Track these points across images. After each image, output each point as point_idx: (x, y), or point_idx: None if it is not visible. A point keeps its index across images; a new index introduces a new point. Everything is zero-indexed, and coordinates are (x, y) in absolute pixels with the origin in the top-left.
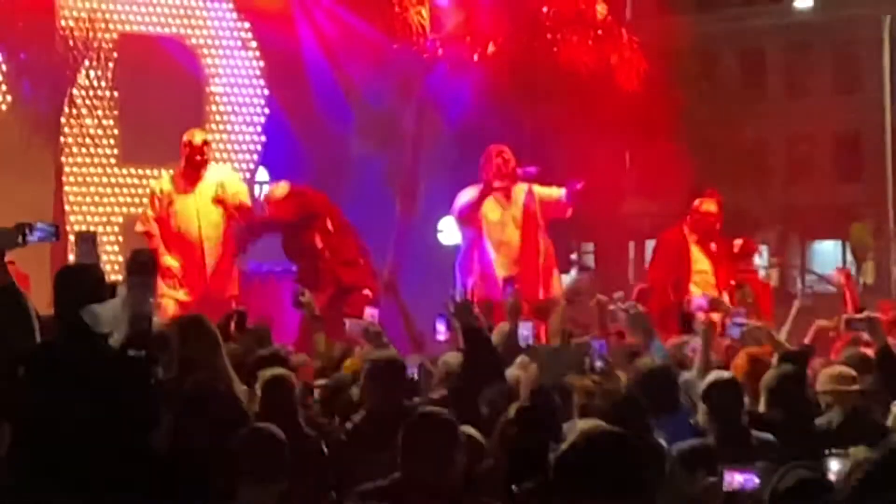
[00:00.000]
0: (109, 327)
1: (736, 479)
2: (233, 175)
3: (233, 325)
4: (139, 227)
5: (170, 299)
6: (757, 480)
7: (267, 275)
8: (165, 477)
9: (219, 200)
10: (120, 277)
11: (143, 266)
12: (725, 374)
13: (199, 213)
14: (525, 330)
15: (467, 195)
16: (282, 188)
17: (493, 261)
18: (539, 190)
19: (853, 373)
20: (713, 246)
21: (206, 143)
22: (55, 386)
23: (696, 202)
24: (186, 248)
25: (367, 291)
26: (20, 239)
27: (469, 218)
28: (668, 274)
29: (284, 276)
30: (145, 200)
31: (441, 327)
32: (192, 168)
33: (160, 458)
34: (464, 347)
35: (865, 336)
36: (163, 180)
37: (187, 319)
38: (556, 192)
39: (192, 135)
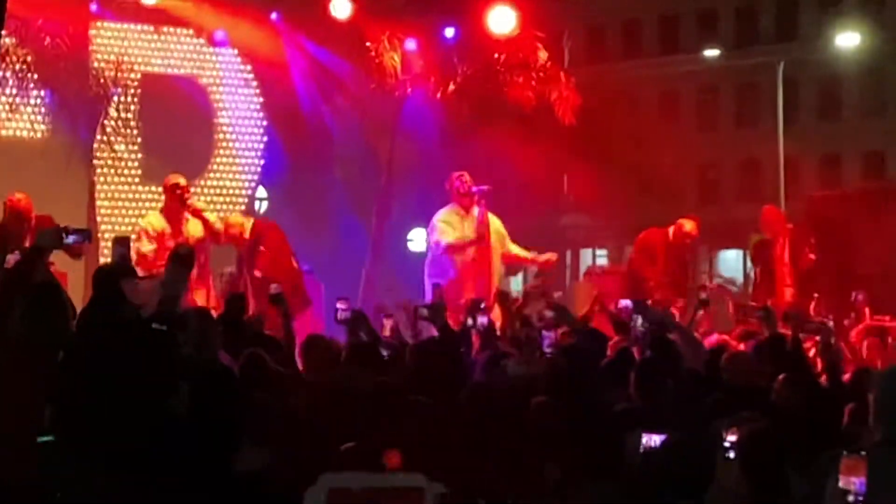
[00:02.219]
0: (142, 301)
1: (653, 440)
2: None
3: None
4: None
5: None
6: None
7: None
8: (181, 439)
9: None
10: None
11: (181, 259)
12: None
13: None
14: (483, 319)
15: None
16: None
17: (453, 263)
18: (493, 219)
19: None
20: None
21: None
22: (92, 345)
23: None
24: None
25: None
26: (61, 240)
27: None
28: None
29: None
30: None
31: (388, 324)
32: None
33: (178, 422)
34: (439, 339)
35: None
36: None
37: (201, 309)
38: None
39: (177, 178)
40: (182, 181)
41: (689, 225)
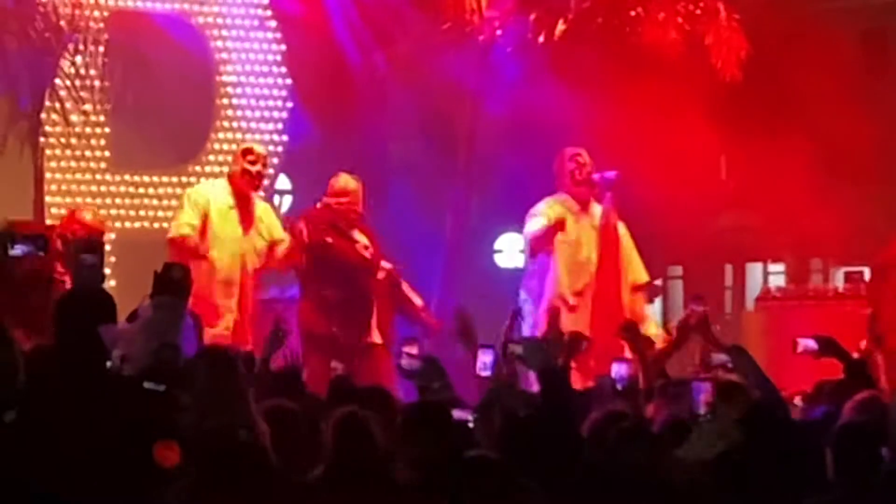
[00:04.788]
0: (126, 351)
1: None
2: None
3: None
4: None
5: None
6: None
7: (290, 301)
8: None
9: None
10: None
11: (176, 284)
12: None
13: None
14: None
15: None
16: None
17: (560, 283)
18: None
19: None
20: None
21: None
22: (54, 413)
23: None
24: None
25: None
26: (4, 251)
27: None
28: None
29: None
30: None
31: (486, 360)
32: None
33: None
34: (540, 391)
35: None
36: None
37: (219, 353)
38: None
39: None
40: (259, 149)
41: None
